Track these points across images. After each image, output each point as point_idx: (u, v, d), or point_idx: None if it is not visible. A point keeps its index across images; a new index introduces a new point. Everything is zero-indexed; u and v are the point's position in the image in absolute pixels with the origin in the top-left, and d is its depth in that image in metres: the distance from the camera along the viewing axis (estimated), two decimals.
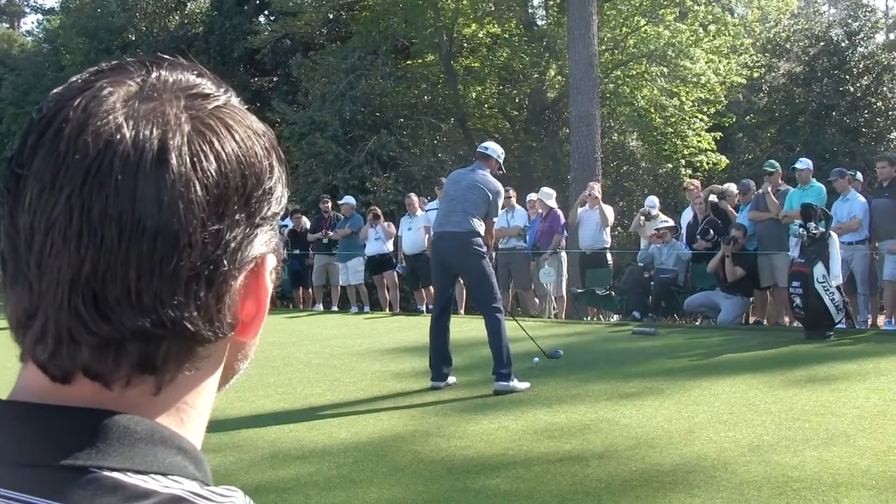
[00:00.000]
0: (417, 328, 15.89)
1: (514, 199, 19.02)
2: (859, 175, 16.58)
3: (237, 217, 0.93)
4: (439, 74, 34.20)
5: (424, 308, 19.93)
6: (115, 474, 0.88)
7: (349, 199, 22.50)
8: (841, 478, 6.76)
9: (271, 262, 1.00)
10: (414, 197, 20.84)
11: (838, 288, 13.31)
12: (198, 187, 0.89)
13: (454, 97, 33.15)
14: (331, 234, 21.73)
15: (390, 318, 19.65)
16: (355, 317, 20.23)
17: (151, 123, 0.90)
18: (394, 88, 31.92)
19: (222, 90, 0.99)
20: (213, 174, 0.91)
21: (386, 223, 20.68)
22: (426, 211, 20.10)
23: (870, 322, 15.42)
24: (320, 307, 22.10)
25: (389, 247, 20.78)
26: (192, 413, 0.99)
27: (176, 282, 0.89)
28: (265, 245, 0.98)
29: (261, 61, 33.95)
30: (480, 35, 33.71)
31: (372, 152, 29.80)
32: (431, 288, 18.62)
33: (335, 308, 21.98)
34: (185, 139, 0.90)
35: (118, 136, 0.88)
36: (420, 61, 34.42)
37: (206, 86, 0.98)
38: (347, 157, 29.69)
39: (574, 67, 24.18)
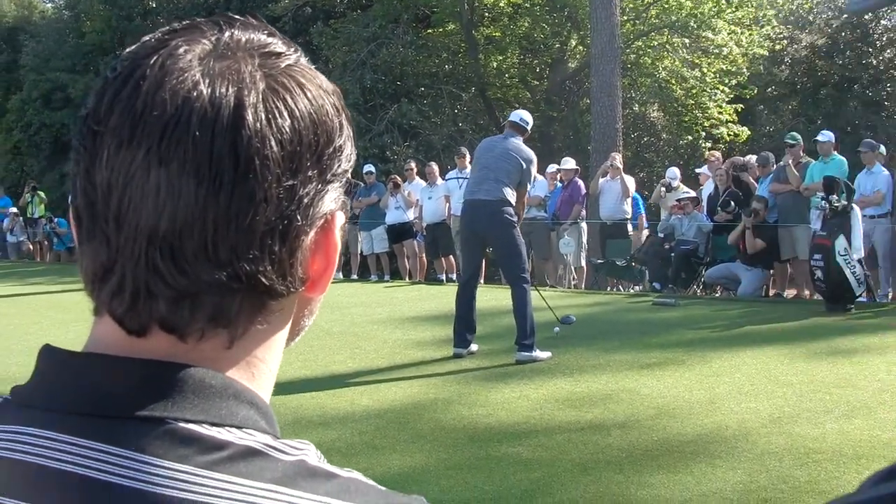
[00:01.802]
0: (438, 297, 15.93)
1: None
2: (882, 148, 16.49)
3: (310, 173, 0.95)
4: (460, 43, 34.08)
5: (444, 277, 19.96)
6: (191, 426, 0.90)
7: (371, 168, 22.52)
8: (862, 450, 6.78)
9: (340, 219, 1.02)
10: (434, 166, 20.87)
11: (860, 261, 13.28)
12: (273, 143, 0.91)
13: (475, 66, 33.03)
14: (355, 202, 21.71)
15: (410, 286, 19.66)
16: (375, 285, 20.24)
17: (227, 81, 0.91)
18: (414, 57, 31.87)
19: (292, 49, 1.00)
20: (288, 131, 0.92)
21: (406, 191, 20.67)
22: (446, 180, 20.12)
23: (891, 296, 15.39)
24: (339, 276, 22.10)
25: (410, 215, 20.75)
26: (262, 367, 1.00)
27: (252, 236, 0.91)
28: (335, 202, 0.99)
29: (281, 29, 32.64)
30: (502, 4, 33.52)
31: (392, 121, 29.80)
32: (451, 257, 18.69)
33: (355, 276, 22.00)
34: (261, 96, 0.92)
35: (195, 93, 0.90)
36: (441, 30, 34.29)
37: (278, 45, 0.99)
38: (368, 125, 29.67)
39: (595, 37, 24.06)
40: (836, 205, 13.26)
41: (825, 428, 7.38)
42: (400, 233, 20.94)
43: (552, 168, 20.36)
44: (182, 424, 0.90)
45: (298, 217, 0.94)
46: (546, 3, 33.31)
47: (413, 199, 20.65)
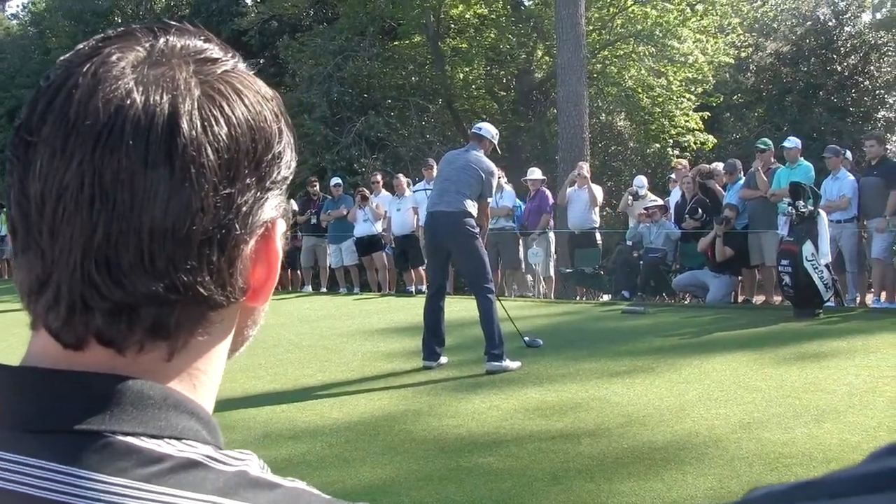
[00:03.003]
0: (407, 309, 15.90)
1: (502, 180, 18.97)
2: (848, 154, 16.59)
3: (248, 181, 0.93)
4: (427, 55, 34.16)
5: (414, 289, 19.93)
6: (129, 439, 0.88)
7: (338, 180, 22.50)
8: (832, 454, 6.79)
9: (281, 227, 1.00)
10: (402, 178, 20.84)
11: (827, 266, 13.34)
12: (209, 151, 0.89)
13: (442, 78, 33.10)
14: (323, 215, 21.70)
15: (380, 299, 19.63)
16: (345, 298, 20.20)
17: (161, 88, 0.89)
18: (381, 70, 31.91)
19: (230, 55, 0.99)
20: (224, 139, 0.91)
21: (375, 204, 20.66)
22: (414, 192, 20.10)
23: (858, 300, 15.46)
24: (309, 289, 22.10)
25: (378, 228, 20.74)
26: (204, 379, 0.98)
27: (189, 246, 0.89)
28: (275, 209, 0.98)
29: (248, 43, 33.72)
30: (467, 16, 33.64)
31: (360, 133, 29.80)
32: (421, 269, 18.68)
33: (324, 289, 21.97)
34: (196, 104, 0.90)
35: (128, 102, 0.88)
36: (407, 42, 34.37)
37: (214, 51, 0.97)
38: (335, 138, 29.68)
39: (562, 48, 24.14)
40: (802, 210, 13.31)
41: (795, 433, 7.39)
42: (369, 245, 20.93)
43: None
44: (120, 437, 0.88)
45: (237, 226, 0.92)
46: (512, 14, 33.44)
47: (381, 211, 20.64)
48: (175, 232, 0.88)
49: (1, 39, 43.61)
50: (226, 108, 0.92)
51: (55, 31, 38.80)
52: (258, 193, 0.95)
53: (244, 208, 0.93)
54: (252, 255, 0.96)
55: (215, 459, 0.91)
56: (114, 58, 0.91)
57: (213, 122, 0.90)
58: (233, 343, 1.04)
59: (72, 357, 0.92)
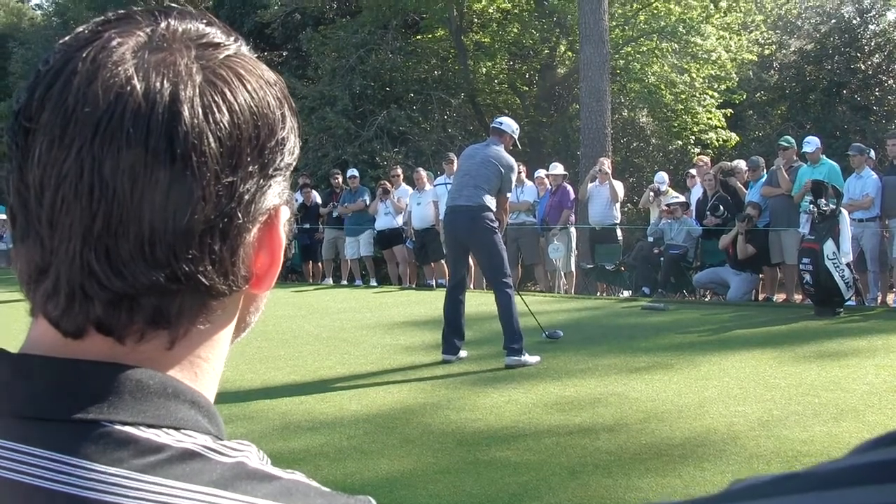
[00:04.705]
0: (427, 302, 15.91)
1: (523, 175, 18.96)
2: (871, 152, 16.50)
3: (251, 169, 0.92)
4: (449, 49, 34.10)
5: (434, 282, 19.93)
6: (127, 428, 0.87)
7: (354, 172, 22.51)
8: None
9: (285, 213, 0.99)
10: (422, 171, 20.79)
11: (848, 265, 13.28)
12: (211, 139, 0.88)
13: (464, 72, 33.04)
14: (340, 208, 21.72)
15: (399, 292, 19.65)
16: (365, 291, 20.22)
17: (162, 75, 0.88)
18: (404, 63, 31.88)
19: (232, 39, 0.97)
20: (226, 125, 0.89)
21: (396, 197, 20.67)
22: (434, 186, 20.08)
23: (879, 299, 15.40)
24: (330, 281, 22.11)
25: (399, 221, 20.75)
26: (205, 367, 0.97)
27: (190, 235, 0.88)
28: (279, 196, 0.97)
29: (271, 35, 33.71)
30: (491, 10, 33.56)
31: (382, 127, 29.78)
32: (442, 262, 18.67)
33: (344, 282, 21.99)
34: (197, 90, 0.89)
35: (129, 88, 0.87)
36: (430, 36, 34.30)
37: (216, 35, 0.96)
38: (357, 131, 29.67)
39: (584, 43, 24.07)
40: (824, 209, 13.26)
41: (813, 431, 7.37)
42: (389, 238, 20.95)
43: (541, 172, 20.36)
44: (118, 427, 0.87)
45: (239, 214, 0.91)
46: (535, 9, 33.33)
47: (402, 204, 20.63)
48: (176, 221, 0.87)
49: (25, 29, 43.77)
50: (228, 94, 0.91)
51: (79, 21, 38.11)
52: (261, 181, 0.93)
53: (247, 196, 0.92)
54: (255, 242, 0.95)
55: (213, 450, 0.90)
56: (114, 43, 0.90)
57: (215, 109, 0.89)
58: (235, 329, 1.03)
59: (71, 345, 0.91)
